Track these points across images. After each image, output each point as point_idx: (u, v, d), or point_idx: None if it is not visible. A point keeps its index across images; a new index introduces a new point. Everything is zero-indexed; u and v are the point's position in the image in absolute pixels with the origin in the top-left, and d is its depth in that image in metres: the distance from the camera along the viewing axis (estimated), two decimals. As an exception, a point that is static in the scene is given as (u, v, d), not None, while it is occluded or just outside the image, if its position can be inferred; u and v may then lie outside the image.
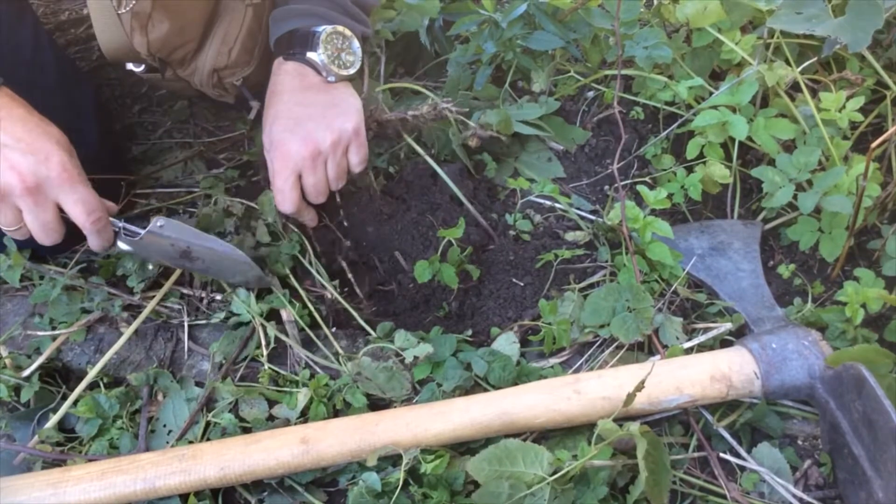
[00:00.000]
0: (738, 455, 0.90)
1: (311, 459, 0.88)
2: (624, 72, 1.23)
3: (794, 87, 1.13)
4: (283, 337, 1.05)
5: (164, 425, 0.99)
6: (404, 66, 1.47)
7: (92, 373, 1.02)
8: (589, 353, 1.01)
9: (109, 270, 1.12)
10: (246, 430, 0.97)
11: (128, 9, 1.04)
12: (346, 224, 1.16)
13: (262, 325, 1.05)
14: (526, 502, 0.80)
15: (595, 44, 1.30)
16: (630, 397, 0.79)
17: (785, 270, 1.09)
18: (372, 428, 0.89)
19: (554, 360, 1.01)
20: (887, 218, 1.10)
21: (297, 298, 1.09)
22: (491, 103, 1.27)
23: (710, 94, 1.17)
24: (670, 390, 0.88)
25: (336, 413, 0.98)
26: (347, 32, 1.10)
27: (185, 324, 1.08)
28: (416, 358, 0.97)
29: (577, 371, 1.00)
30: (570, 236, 1.14)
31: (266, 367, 1.02)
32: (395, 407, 0.97)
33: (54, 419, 0.99)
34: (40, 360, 1.04)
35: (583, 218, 1.16)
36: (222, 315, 1.07)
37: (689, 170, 1.15)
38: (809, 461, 0.91)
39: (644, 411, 0.90)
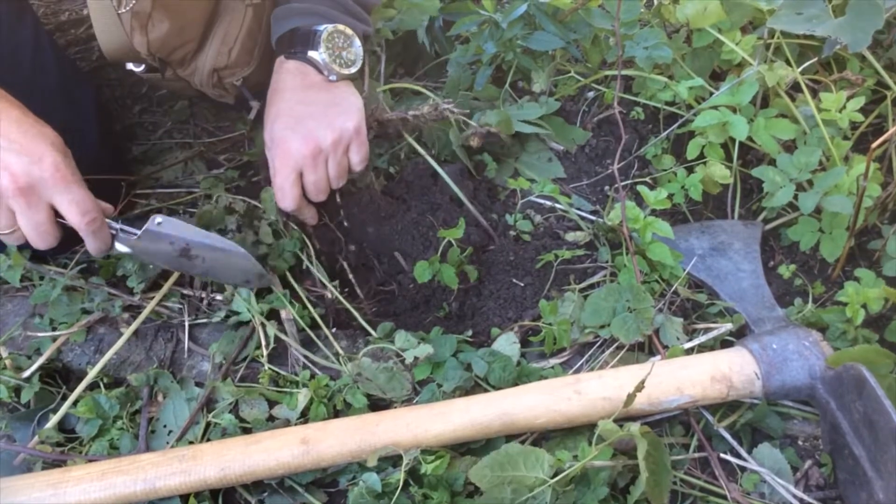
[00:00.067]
0: (738, 455, 0.90)
1: (311, 460, 0.88)
2: (624, 72, 1.23)
3: (795, 88, 1.13)
4: (283, 337, 1.05)
5: (165, 426, 0.99)
6: (404, 66, 1.47)
7: (92, 373, 1.02)
8: (589, 353, 1.01)
9: (109, 271, 1.12)
10: (246, 431, 0.97)
11: (128, 9, 1.04)
12: (346, 224, 1.16)
13: (263, 324, 1.05)
14: (527, 504, 0.80)
15: (595, 44, 1.30)
16: (630, 398, 0.79)
17: (785, 271, 1.09)
18: (372, 428, 0.88)
19: (554, 361, 1.01)
20: (888, 218, 1.10)
21: (297, 299, 1.09)
22: (491, 103, 1.27)
23: (711, 94, 1.17)
24: (671, 391, 0.88)
25: (336, 413, 0.98)
26: (349, 31, 1.10)
27: (186, 324, 1.08)
28: (416, 358, 0.97)
29: (577, 371, 1.00)
30: (570, 237, 1.14)
31: (266, 367, 1.02)
32: (396, 407, 0.97)
33: (54, 420, 0.99)
34: (40, 360, 1.04)
35: (583, 218, 1.16)
36: (223, 314, 1.07)
37: (690, 170, 1.15)
38: (810, 462, 0.91)
39: (644, 412, 0.90)
